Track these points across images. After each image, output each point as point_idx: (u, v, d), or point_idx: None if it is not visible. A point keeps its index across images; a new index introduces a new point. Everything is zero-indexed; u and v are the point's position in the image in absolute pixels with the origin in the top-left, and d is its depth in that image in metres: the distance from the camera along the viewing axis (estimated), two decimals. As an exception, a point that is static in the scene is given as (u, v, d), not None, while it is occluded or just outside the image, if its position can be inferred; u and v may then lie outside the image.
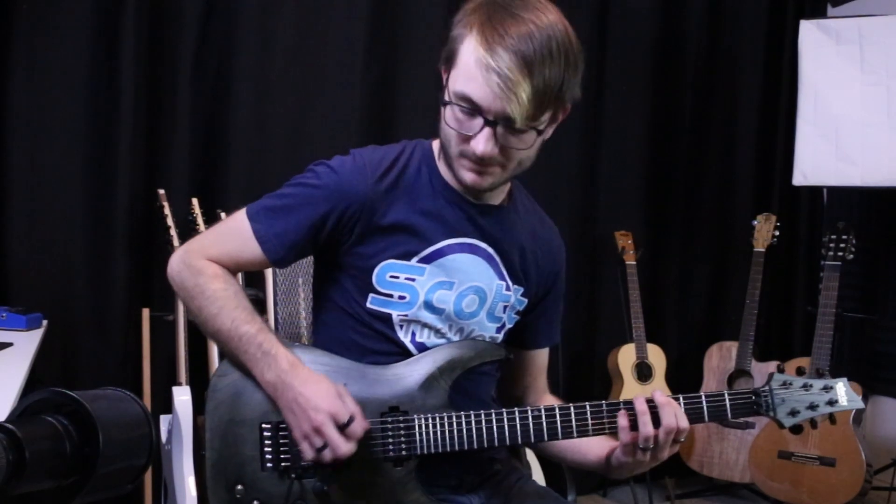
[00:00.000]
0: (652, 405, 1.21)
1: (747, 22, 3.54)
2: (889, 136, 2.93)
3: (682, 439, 1.22)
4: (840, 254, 2.82)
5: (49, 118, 2.42)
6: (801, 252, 3.59)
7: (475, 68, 1.13)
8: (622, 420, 1.21)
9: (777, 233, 3.11)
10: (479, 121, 1.16)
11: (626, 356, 3.13)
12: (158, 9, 2.54)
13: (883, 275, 3.39)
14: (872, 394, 3.25)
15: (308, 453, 1.17)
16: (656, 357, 3.16)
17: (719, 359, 3.15)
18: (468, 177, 1.23)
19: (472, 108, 1.15)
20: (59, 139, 2.44)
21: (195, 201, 2.42)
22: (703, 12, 3.48)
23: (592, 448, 1.32)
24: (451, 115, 1.19)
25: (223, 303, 1.25)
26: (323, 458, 1.16)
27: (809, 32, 3.09)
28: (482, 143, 1.16)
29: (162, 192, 2.41)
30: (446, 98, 1.19)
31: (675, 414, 1.20)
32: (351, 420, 1.15)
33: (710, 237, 3.56)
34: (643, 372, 3.12)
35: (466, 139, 1.18)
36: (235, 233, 1.30)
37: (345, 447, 1.15)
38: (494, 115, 1.14)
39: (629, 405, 1.22)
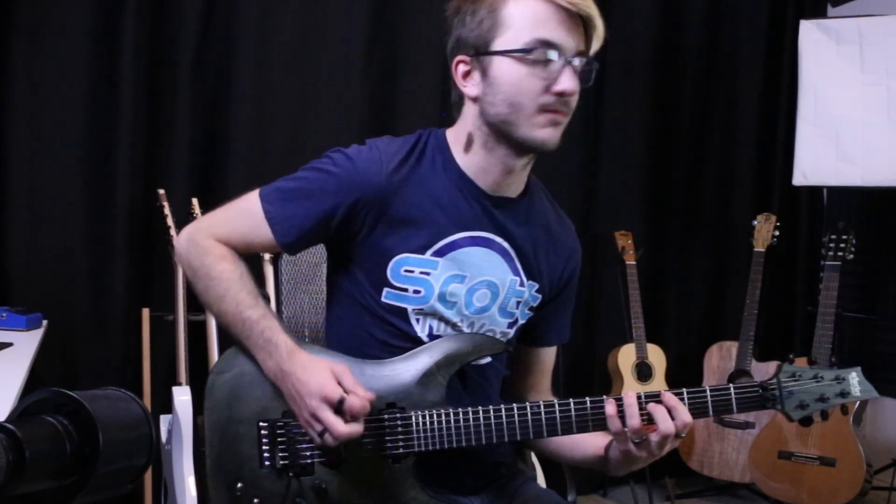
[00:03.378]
0: (643, 408, 1.19)
1: (747, 22, 3.54)
2: (889, 136, 2.93)
3: (683, 434, 1.19)
4: (840, 254, 2.82)
5: (49, 118, 2.42)
6: (801, 252, 3.59)
7: (543, 9, 1.19)
8: (609, 408, 1.19)
9: (777, 233, 3.11)
10: (557, 63, 1.19)
11: (626, 356, 3.13)
12: (158, 9, 2.54)
13: (883, 275, 3.39)
14: (872, 394, 3.25)
15: (316, 439, 1.17)
16: (656, 357, 3.16)
17: (719, 359, 3.15)
18: (545, 133, 1.22)
19: (547, 52, 1.19)
20: (59, 139, 2.44)
21: (195, 201, 2.43)
22: (703, 12, 3.48)
23: (592, 444, 1.31)
24: (525, 72, 1.19)
25: (229, 285, 1.24)
26: (326, 442, 1.16)
27: (809, 32, 3.09)
28: (569, 80, 1.19)
29: (162, 192, 2.41)
30: (517, 54, 1.19)
31: (668, 416, 1.17)
32: (342, 399, 1.14)
33: (710, 237, 3.56)
34: (643, 372, 3.12)
35: (546, 89, 1.20)
36: (246, 213, 1.29)
37: (341, 428, 1.13)
38: (572, 51, 1.20)
39: (619, 400, 1.20)
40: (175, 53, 2.57)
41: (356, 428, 1.15)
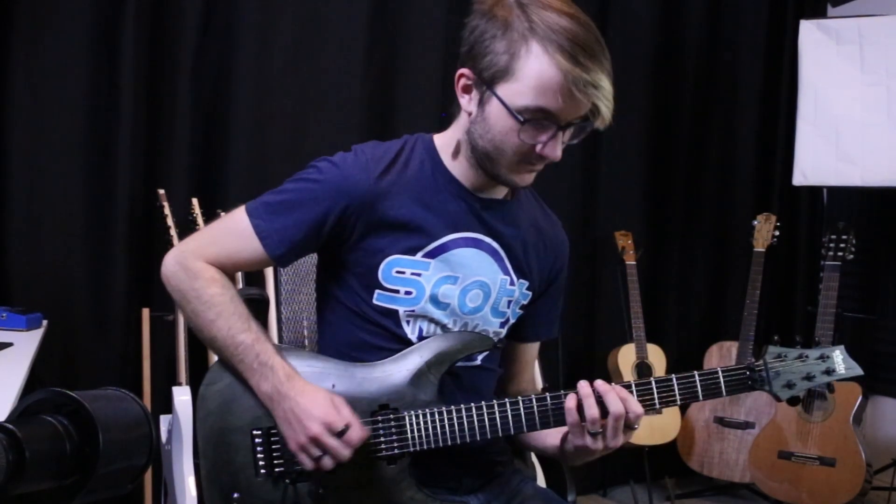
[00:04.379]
0: (597, 392, 1.19)
1: (747, 22, 3.54)
2: (889, 136, 2.93)
3: (637, 426, 1.19)
4: (840, 254, 2.82)
5: (49, 118, 2.42)
6: (801, 252, 3.59)
7: (556, 79, 1.14)
8: (569, 402, 1.19)
9: (777, 233, 3.11)
10: (551, 129, 1.18)
11: (626, 356, 3.13)
12: (158, 9, 2.54)
13: (883, 275, 3.39)
14: (872, 394, 3.25)
15: (307, 464, 1.18)
16: (656, 357, 3.16)
17: (719, 359, 3.15)
18: (519, 178, 1.26)
19: (546, 118, 1.17)
20: (59, 139, 2.44)
21: (195, 201, 2.42)
22: (702, 12, 3.48)
23: (551, 434, 1.32)
24: (514, 128, 1.18)
25: (220, 309, 1.24)
26: (323, 467, 1.17)
27: (809, 32, 3.09)
28: (554, 148, 1.20)
29: (162, 192, 2.41)
30: (513, 112, 1.17)
31: (620, 399, 1.17)
32: (346, 428, 1.15)
33: (710, 237, 3.56)
34: (643, 372, 3.12)
35: (531, 147, 1.20)
36: (234, 230, 1.28)
37: (346, 452, 1.16)
38: (569, 118, 1.18)
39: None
40: (175, 53, 2.57)
41: (350, 455, 1.17)
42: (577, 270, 3.20)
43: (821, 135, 3.05)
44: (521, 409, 1.22)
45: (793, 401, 1.25)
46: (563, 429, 1.27)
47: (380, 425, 1.22)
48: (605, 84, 1.15)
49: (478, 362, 1.34)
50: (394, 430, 1.22)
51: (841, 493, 2.74)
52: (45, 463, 0.71)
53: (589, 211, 3.32)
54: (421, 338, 1.30)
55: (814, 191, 3.51)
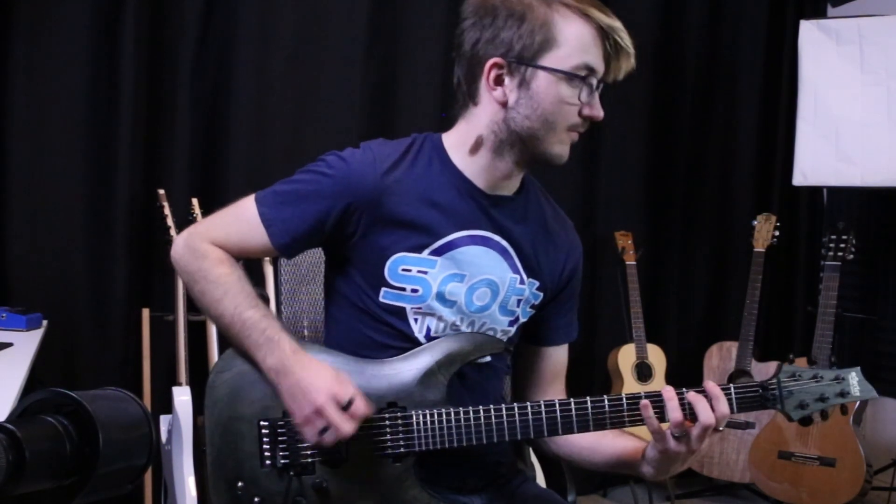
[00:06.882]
0: (682, 399, 1.18)
1: (747, 22, 3.54)
2: (889, 136, 2.93)
3: (722, 427, 1.19)
4: (840, 254, 2.82)
5: (49, 118, 2.43)
6: (801, 252, 3.59)
7: (591, 34, 1.22)
8: (646, 411, 1.18)
9: (777, 233, 3.11)
10: (593, 88, 1.24)
11: (626, 356, 3.13)
12: (158, 9, 2.54)
13: (883, 275, 3.38)
14: (872, 394, 3.25)
15: (311, 437, 1.17)
16: (656, 357, 3.16)
17: (719, 359, 3.15)
18: (563, 150, 1.28)
19: (590, 74, 1.23)
20: (59, 139, 2.44)
21: (195, 201, 2.43)
22: (703, 12, 3.48)
23: (615, 446, 1.31)
24: (567, 94, 1.23)
25: (227, 287, 1.25)
26: (325, 441, 1.16)
27: (809, 32, 3.09)
28: (600, 107, 1.27)
29: (162, 192, 2.41)
30: (570, 73, 1.22)
31: (709, 408, 1.16)
32: (352, 401, 1.15)
33: (710, 237, 3.56)
34: (643, 372, 3.12)
35: (579, 112, 1.24)
36: (242, 217, 1.30)
37: (348, 426, 1.15)
38: (603, 78, 1.25)
39: (656, 396, 1.19)
40: (175, 53, 2.57)
41: (355, 429, 1.16)
42: (577, 270, 3.19)
43: (821, 135, 3.05)
44: (530, 414, 1.22)
45: (805, 421, 1.24)
46: (632, 443, 1.27)
47: (387, 423, 1.22)
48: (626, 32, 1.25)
49: (487, 359, 1.34)
50: (400, 428, 1.22)
51: (841, 493, 2.74)
52: (45, 463, 0.71)
53: (589, 211, 3.32)
54: (428, 336, 1.29)
55: (814, 191, 3.51)
